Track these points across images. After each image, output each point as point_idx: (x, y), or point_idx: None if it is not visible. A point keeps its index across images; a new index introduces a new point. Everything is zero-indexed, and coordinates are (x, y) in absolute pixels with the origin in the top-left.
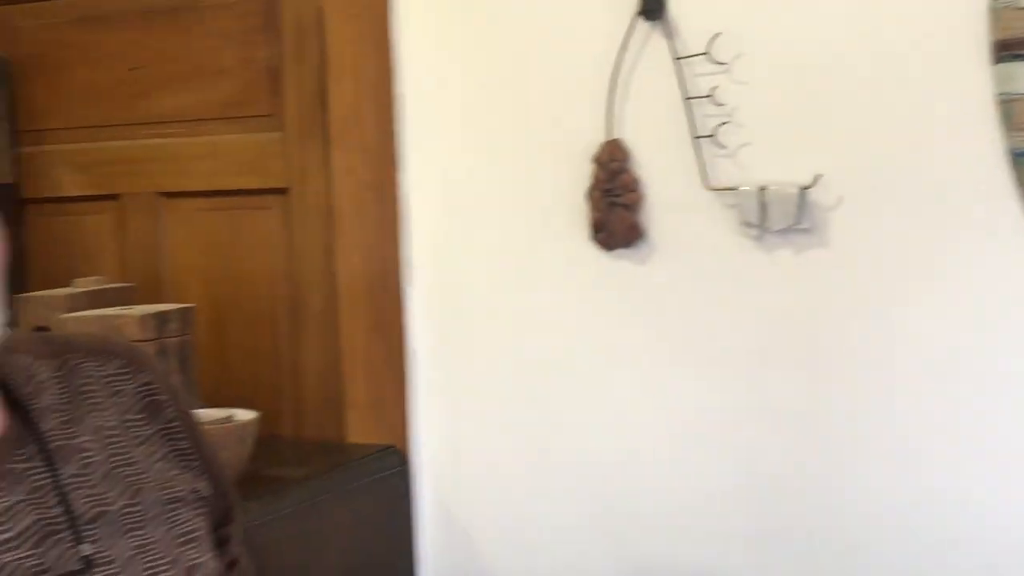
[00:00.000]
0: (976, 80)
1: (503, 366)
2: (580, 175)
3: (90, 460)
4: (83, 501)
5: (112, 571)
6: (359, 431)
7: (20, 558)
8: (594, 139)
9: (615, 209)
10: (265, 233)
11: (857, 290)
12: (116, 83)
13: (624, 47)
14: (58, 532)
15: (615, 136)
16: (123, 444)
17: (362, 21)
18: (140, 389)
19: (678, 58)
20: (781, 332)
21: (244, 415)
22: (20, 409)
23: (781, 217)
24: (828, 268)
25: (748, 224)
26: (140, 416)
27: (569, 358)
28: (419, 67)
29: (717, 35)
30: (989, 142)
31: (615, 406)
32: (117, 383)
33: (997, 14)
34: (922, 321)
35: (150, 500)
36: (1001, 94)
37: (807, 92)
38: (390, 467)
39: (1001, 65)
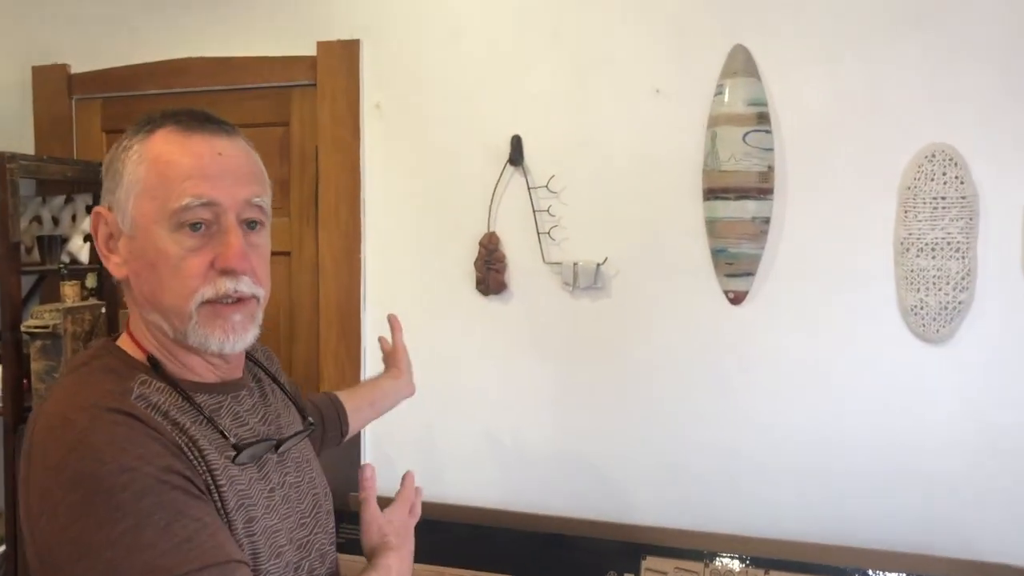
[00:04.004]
0: (695, 209)
1: (418, 360)
2: (471, 250)
3: (284, 383)
4: (294, 399)
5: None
6: None
7: (268, 427)
8: (480, 230)
9: (491, 272)
10: (274, 278)
11: (624, 322)
12: None
13: (499, 179)
14: (281, 416)
15: (493, 229)
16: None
17: (342, 155)
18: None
19: (529, 188)
20: (582, 344)
21: None
22: (250, 360)
23: (585, 280)
24: (609, 309)
25: (566, 283)
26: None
27: (458, 356)
28: (375, 184)
29: (552, 176)
30: (701, 243)
31: (486, 383)
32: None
33: (706, 173)
34: (656, 339)
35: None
36: (708, 218)
37: (602, 212)
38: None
39: (707, 202)
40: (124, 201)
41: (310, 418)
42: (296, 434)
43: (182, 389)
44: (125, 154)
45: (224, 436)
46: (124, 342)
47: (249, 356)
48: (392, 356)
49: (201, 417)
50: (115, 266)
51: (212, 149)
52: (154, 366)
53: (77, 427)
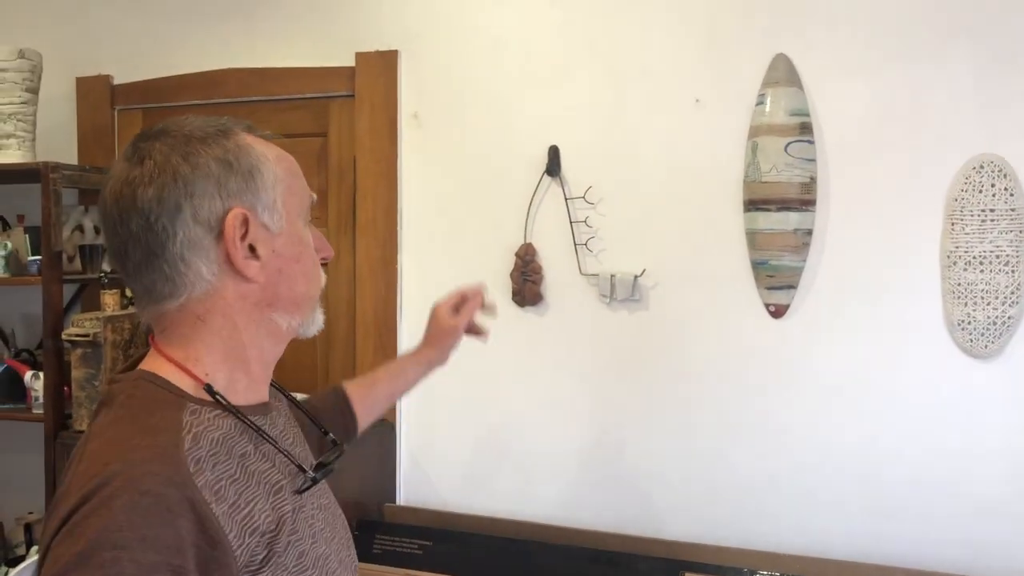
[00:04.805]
0: (736, 220)
1: (454, 372)
2: (507, 262)
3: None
4: (313, 417)
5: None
6: None
7: (300, 448)
8: (517, 241)
9: (527, 283)
10: None
11: (663, 335)
12: None
13: (536, 190)
14: (302, 436)
15: (529, 240)
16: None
17: (379, 165)
18: None
19: (567, 198)
20: (619, 357)
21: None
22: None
23: (622, 292)
24: (647, 322)
25: (603, 295)
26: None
27: (494, 368)
28: (412, 194)
29: (589, 187)
30: (742, 255)
31: (520, 397)
32: None
33: (747, 185)
34: (695, 352)
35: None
36: (748, 229)
37: (640, 223)
38: (383, 431)
39: (748, 213)
40: (273, 199)
41: (332, 436)
42: (336, 458)
43: (242, 415)
44: (249, 152)
45: (300, 468)
46: (165, 370)
47: None
48: (440, 323)
49: (256, 448)
50: (256, 271)
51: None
52: (211, 393)
53: (109, 482)
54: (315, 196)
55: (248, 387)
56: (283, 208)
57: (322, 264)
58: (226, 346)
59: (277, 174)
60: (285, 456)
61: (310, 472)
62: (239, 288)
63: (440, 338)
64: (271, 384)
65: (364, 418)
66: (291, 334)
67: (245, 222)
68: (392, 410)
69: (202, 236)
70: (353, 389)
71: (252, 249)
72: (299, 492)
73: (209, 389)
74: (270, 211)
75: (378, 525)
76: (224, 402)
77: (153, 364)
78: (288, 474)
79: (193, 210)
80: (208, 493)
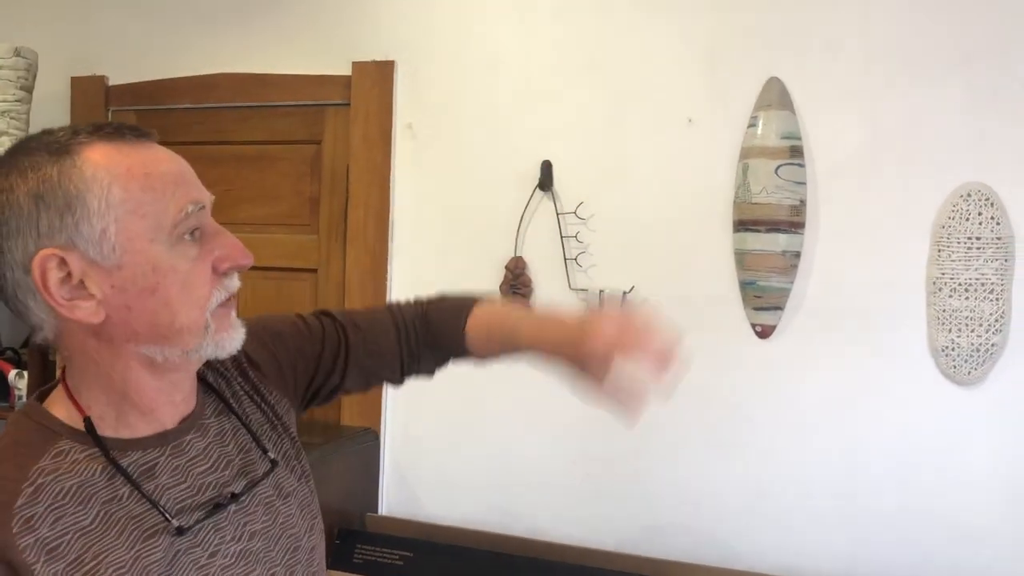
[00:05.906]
0: (725, 240)
1: (440, 383)
2: (496, 274)
3: (248, 412)
4: (255, 434)
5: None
6: (349, 417)
7: (220, 474)
8: (507, 254)
9: (516, 296)
10: (301, 295)
11: None
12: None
13: (528, 204)
14: (242, 454)
15: (519, 254)
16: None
17: (372, 174)
18: (248, 381)
19: (558, 213)
20: None
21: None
22: (207, 387)
23: (610, 308)
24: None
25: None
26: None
27: (479, 381)
28: (404, 203)
29: (581, 203)
30: (730, 274)
31: (504, 409)
32: (235, 372)
33: (737, 205)
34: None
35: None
36: (737, 249)
37: (630, 240)
38: (367, 440)
39: (737, 233)
40: (101, 229)
41: (271, 454)
42: (263, 477)
43: (112, 457)
44: (71, 179)
45: (165, 516)
46: (57, 402)
47: (209, 381)
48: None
49: (122, 492)
50: (89, 312)
51: (165, 155)
52: (89, 429)
53: None
54: (195, 205)
55: (142, 418)
56: (118, 237)
57: (229, 272)
58: (100, 383)
59: (112, 199)
60: (148, 501)
61: (174, 521)
62: (83, 328)
63: (587, 356)
64: (211, 393)
65: (480, 344)
66: (180, 363)
67: (62, 263)
68: (376, 419)
69: (24, 278)
70: (475, 331)
71: (85, 287)
72: (179, 534)
73: (88, 423)
74: (97, 244)
75: (360, 535)
76: (95, 438)
77: (54, 392)
78: (177, 512)
79: (10, 252)
80: (35, 553)
